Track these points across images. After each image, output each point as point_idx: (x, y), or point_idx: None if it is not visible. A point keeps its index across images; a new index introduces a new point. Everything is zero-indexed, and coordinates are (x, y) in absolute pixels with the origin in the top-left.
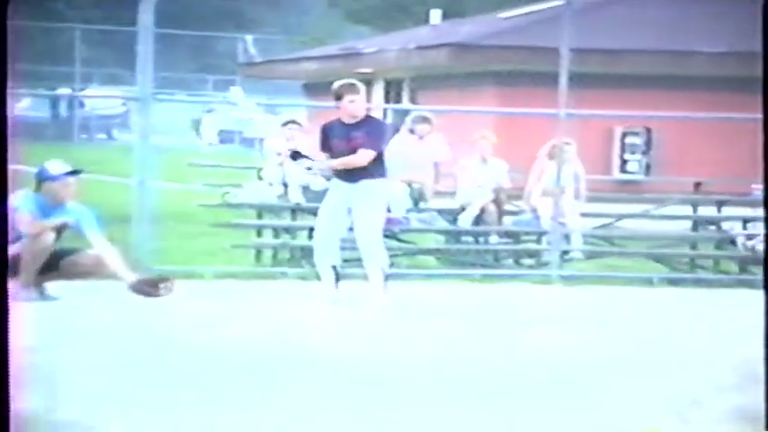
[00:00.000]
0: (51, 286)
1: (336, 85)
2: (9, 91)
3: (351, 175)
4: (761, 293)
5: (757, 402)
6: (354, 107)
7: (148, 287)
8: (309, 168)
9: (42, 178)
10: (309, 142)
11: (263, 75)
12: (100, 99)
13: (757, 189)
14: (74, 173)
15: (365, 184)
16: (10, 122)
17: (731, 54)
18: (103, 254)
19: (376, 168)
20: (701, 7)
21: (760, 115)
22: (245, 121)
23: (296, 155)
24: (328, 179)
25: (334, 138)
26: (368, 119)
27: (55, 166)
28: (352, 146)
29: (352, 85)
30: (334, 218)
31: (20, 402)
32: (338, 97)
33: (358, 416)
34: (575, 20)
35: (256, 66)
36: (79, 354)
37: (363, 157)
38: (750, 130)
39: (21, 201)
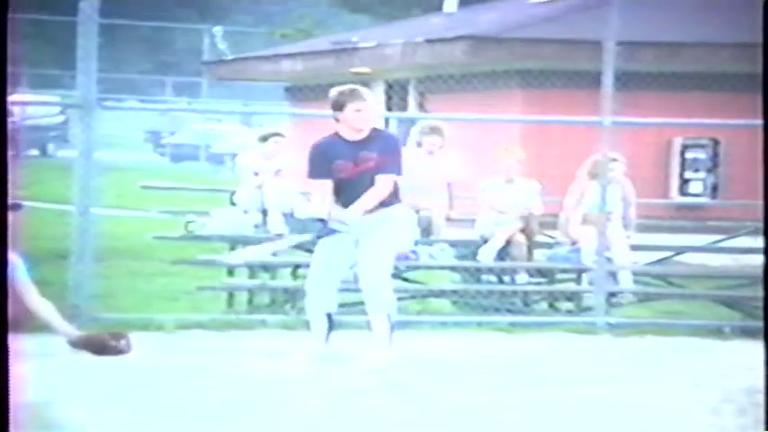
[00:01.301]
0: None
1: (335, 92)
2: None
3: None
4: None
5: None
6: (361, 118)
7: (100, 342)
8: (334, 229)
9: None
10: (293, 159)
11: (235, 76)
12: (31, 107)
13: None
14: (13, 207)
15: (380, 214)
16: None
17: None
18: (36, 306)
19: (391, 193)
20: None
21: None
22: (213, 134)
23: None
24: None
25: (337, 159)
26: (377, 133)
27: None
28: (362, 169)
29: (356, 90)
30: (338, 254)
31: None
32: (339, 107)
33: None
34: (623, 7)
35: (227, 64)
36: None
37: (386, 187)
38: None
39: None
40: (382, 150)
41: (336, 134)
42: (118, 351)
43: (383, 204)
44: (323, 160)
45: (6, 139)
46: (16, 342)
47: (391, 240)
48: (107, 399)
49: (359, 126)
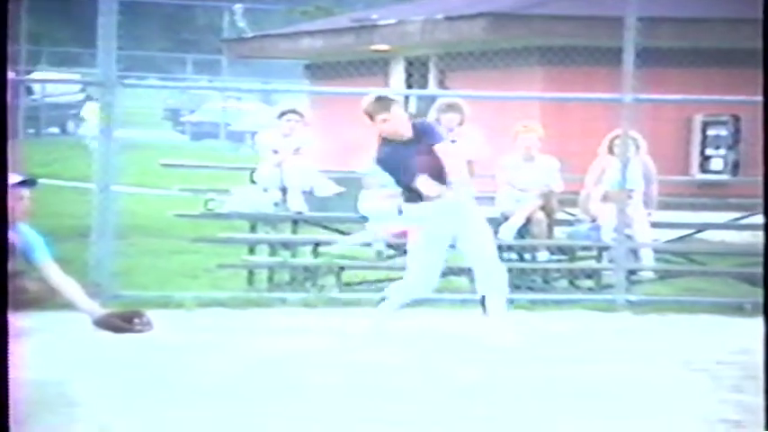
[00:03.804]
0: None
1: (365, 103)
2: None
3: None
4: None
5: None
6: (390, 128)
7: (120, 322)
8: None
9: None
10: (312, 137)
11: (255, 53)
12: (52, 84)
13: None
14: (27, 183)
15: (465, 191)
16: None
17: None
18: (59, 285)
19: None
20: None
21: None
22: (233, 112)
23: None
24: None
25: (403, 161)
26: (415, 127)
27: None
28: (430, 164)
29: (381, 99)
30: (440, 246)
31: None
32: (369, 117)
33: None
34: None
35: (246, 42)
36: (43, 390)
37: (458, 167)
38: None
39: None
40: (428, 140)
41: (384, 140)
42: (138, 330)
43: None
44: (397, 168)
45: (6, 131)
46: (21, 320)
47: (485, 220)
48: (127, 376)
49: (390, 136)
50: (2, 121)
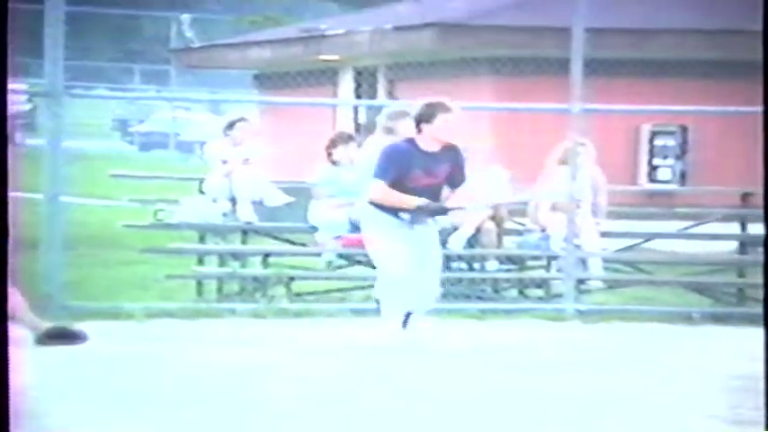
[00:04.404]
0: None
1: (424, 102)
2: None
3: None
4: None
5: None
6: (448, 129)
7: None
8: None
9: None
10: (262, 147)
11: (203, 63)
12: None
13: None
14: None
15: (432, 223)
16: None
17: None
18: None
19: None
20: None
21: None
22: (182, 122)
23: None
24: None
25: (415, 169)
26: (449, 147)
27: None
28: (434, 182)
29: (445, 102)
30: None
31: None
32: (428, 117)
33: None
34: None
35: (195, 52)
36: None
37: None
38: None
39: None
40: (453, 163)
41: (413, 142)
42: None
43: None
44: (399, 166)
45: (6, 133)
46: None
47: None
48: (75, 388)
49: (445, 137)
50: (2, 124)
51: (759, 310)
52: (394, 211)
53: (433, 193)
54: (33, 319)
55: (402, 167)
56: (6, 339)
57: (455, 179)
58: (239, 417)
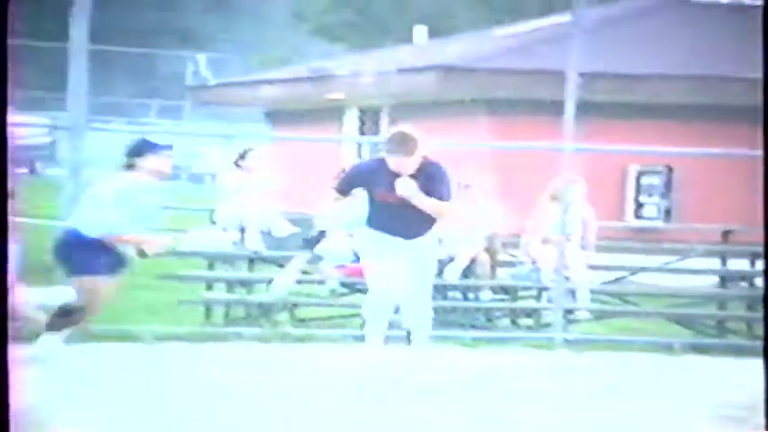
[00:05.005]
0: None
1: (387, 136)
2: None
3: (409, 229)
4: None
5: None
6: (399, 165)
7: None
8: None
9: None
10: (273, 179)
11: (216, 100)
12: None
13: None
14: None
15: (421, 240)
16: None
17: (759, 81)
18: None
19: (430, 223)
20: (727, 26)
21: None
22: (194, 154)
23: None
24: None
25: (378, 187)
26: (424, 165)
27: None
28: (399, 198)
29: (402, 139)
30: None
31: None
32: (386, 151)
33: None
34: (583, 40)
35: (209, 89)
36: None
37: (450, 211)
38: None
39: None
40: (428, 178)
41: (383, 160)
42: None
43: (426, 231)
44: (359, 183)
45: (7, 145)
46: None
47: (433, 268)
48: (84, 409)
49: (396, 170)
50: (2, 126)
51: (738, 341)
52: (387, 230)
53: (402, 210)
54: (36, 314)
55: (364, 183)
56: (6, 338)
57: (432, 193)
58: None
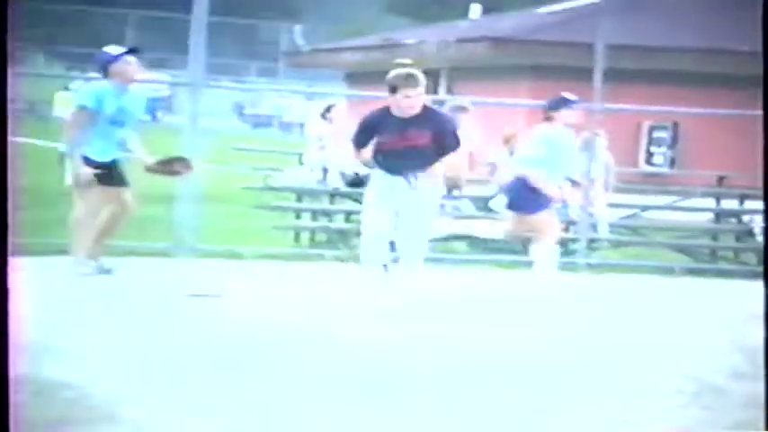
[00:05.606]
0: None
1: (392, 74)
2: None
3: (409, 168)
4: None
5: None
6: (409, 104)
7: (163, 167)
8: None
9: (106, 62)
10: (350, 129)
11: (306, 63)
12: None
13: None
14: (131, 51)
15: (430, 182)
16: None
17: (756, 54)
18: (132, 139)
19: (433, 164)
20: (729, 10)
21: None
22: (284, 106)
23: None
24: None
25: (384, 134)
26: (428, 111)
27: (113, 49)
28: (409, 144)
29: (411, 76)
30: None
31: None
32: (392, 89)
33: (364, 402)
34: (610, 17)
35: (301, 55)
36: (113, 329)
37: (459, 161)
38: None
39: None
40: (437, 130)
41: (386, 109)
42: (177, 171)
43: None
44: (368, 134)
45: (6, 130)
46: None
47: (436, 207)
48: (189, 320)
49: (405, 112)
50: (2, 120)
51: (728, 266)
52: (392, 171)
53: (418, 155)
54: (145, 155)
55: (374, 133)
56: (7, 339)
57: (442, 143)
58: (327, 343)
